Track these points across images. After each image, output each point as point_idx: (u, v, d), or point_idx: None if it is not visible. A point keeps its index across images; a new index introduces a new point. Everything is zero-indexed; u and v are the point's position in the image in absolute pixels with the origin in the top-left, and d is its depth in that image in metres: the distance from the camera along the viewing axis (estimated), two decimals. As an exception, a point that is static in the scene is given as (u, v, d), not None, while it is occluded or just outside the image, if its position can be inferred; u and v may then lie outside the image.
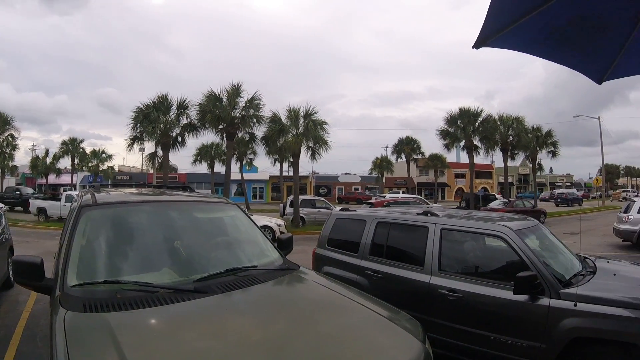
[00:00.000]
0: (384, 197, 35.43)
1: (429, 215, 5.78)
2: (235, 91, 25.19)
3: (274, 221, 18.99)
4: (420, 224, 5.67)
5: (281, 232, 18.41)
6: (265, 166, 59.04)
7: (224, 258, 3.77)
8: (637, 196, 18.42)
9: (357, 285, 5.51)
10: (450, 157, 55.51)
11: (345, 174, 73.18)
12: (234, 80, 31.32)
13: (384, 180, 59.91)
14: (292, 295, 3.45)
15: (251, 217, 14.97)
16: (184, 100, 26.11)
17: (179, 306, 2.70)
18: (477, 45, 2.66)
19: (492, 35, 2.67)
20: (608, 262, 5.75)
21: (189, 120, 26.56)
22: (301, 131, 24.67)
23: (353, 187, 68.51)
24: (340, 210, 7.33)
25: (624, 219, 16.25)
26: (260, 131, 27.47)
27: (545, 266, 4.62)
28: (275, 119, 25.22)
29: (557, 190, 66.36)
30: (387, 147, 61.07)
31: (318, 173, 67.78)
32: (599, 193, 56.88)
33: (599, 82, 3.59)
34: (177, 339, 2.36)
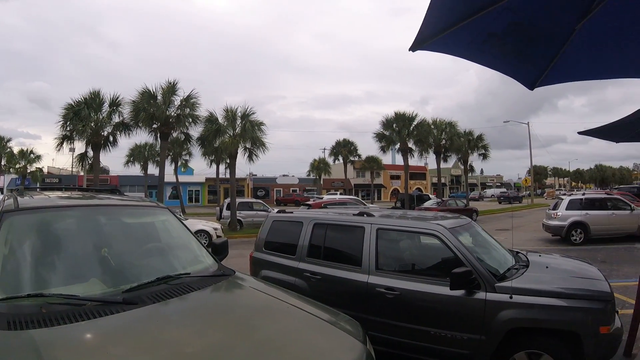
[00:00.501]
0: (322, 198, 35.54)
1: (364, 215, 5.83)
2: (171, 89, 24.05)
3: (210, 225, 18.47)
4: (357, 224, 5.71)
5: (218, 236, 18.03)
6: (201, 168, 57.91)
7: (155, 266, 3.55)
8: (565, 194, 19.69)
9: (296, 288, 5.54)
10: (386, 159, 56.89)
11: (284, 175, 72.94)
12: (171, 77, 30.16)
13: (321, 182, 60.17)
14: (227, 302, 3.32)
15: (185, 221, 14.51)
16: (117, 97, 24.61)
17: (107, 320, 2.52)
18: (414, 47, 2.68)
19: (428, 38, 2.69)
20: (540, 255, 6.07)
21: (121, 118, 25.05)
22: (238, 132, 24.16)
23: (291, 189, 68.35)
24: (277, 212, 7.27)
25: (553, 215, 17.58)
26: (196, 131, 26.55)
27: (480, 262, 4.82)
28: (211, 119, 24.55)
29: (500, 190, 75.90)
30: (325, 149, 61.74)
31: (256, 175, 67.38)
32: (528, 192, 59.89)
33: (531, 88, 3.75)
34: (106, 356, 2.22)
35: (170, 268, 3.55)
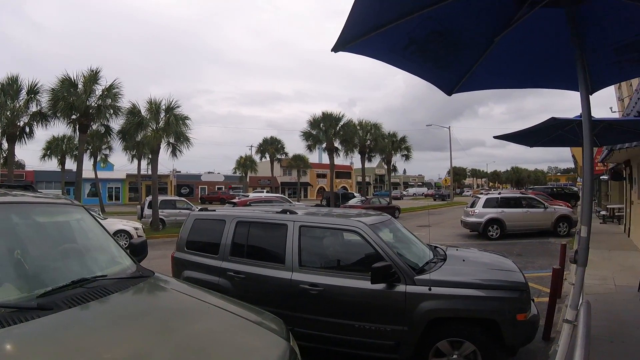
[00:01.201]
0: (248, 196, 35.26)
1: (287, 213, 5.87)
2: (93, 77, 22.27)
3: (130, 224, 17.60)
4: (280, 222, 5.74)
5: (139, 236, 17.34)
6: (122, 163, 55.27)
7: (71, 268, 3.31)
8: (488, 193, 20.97)
9: (220, 288, 5.49)
10: (313, 158, 57.23)
11: (209, 173, 71.48)
12: (97, 65, 27.88)
13: (247, 180, 59.61)
14: (146, 304, 3.17)
15: (104, 220, 13.88)
16: (36, 84, 22.26)
17: (22, 327, 2.31)
18: (336, 48, 2.71)
19: (351, 40, 2.74)
20: (457, 249, 6.44)
21: (39, 107, 22.70)
22: (162, 126, 23.00)
23: (216, 186, 67.28)
24: (199, 210, 7.13)
25: (470, 212, 18.89)
26: (117, 124, 24.80)
27: (399, 256, 5.04)
28: (134, 111, 23.13)
29: (421, 189, 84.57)
30: (252, 146, 60.63)
31: (180, 172, 65.57)
32: (448, 192, 62.45)
33: (449, 93, 3.97)
34: None
35: (86, 270, 3.31)
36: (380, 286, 4.78)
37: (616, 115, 15.00)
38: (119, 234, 16.23)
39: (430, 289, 4.68)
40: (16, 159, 25.60)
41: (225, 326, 2.84)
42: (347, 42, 2.73)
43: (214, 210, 6.86)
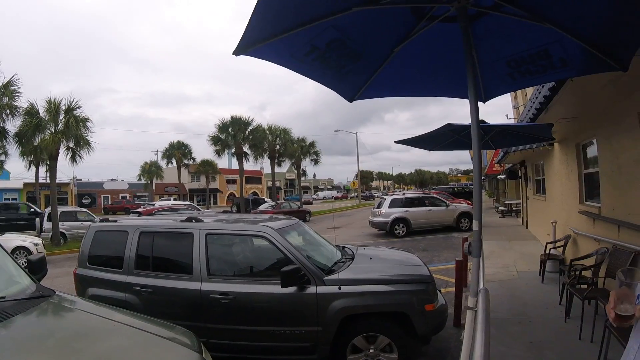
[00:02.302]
0: (154, 205, 34.14)
1: (193, 221, 5.78)
2: None
3: (30, 240, 16.06)
4: (185, 230, 5.58)
5: (39, 252, 16.26)
6: (19, 171, 50.63)
7: None
8: (401, 193, 22.04)
9: (127, 304, 5.28)
10: (222, 163, 56.34)
11: (112, 180, 67.72)
12: None
13: (154, 187, 57.42)
14: (50, 326, 2.99)
15: (1, 236, 12.86)
16: None
17: None
18: (237, 52, 2.70)
19: (252, 44, 2.75)
20: (365, 249, 6.65)
21: None
22: (61, 128, 21.04)
23: (120, 195, 64.01)
24: (99, 221, 6.79)
25: (377, 213, 19.88)
26: (13, 126, 22.10)
27: (308, 258, 5.14)
28: (32, 112, 20.96)
29: (331, 192, 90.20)
30: (158, 151, 57.82)
31: (80, 179, 61.98)
32: (356, 194, 64.27)
33: (350, 100, 4.10)
34: None
35: None
36: (291, 289, 4.85)
37: (512, 122, 16.43)
38: (17, 250, 14.87)
39: (340, 288, 4.83)
40: None
41: (134, 344, 2.78)
42: (249, 45, 2.72)
43: (116, 221, 6.55)
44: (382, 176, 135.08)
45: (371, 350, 4.84)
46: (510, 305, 7.13)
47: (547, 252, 9.02)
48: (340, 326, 4.80)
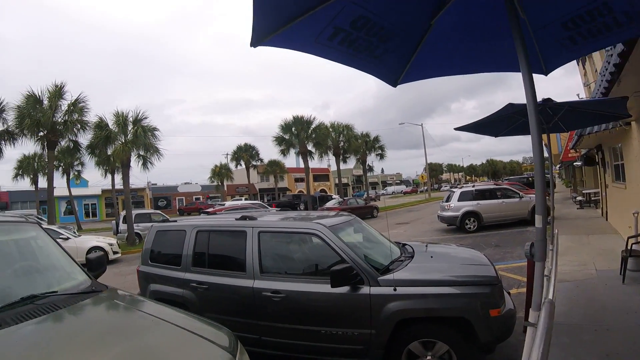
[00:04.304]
0: (224, 205, 34.98)
1: (247, 219, 5.72)
2: (58, 92, 22.30)
3: (105, 241, 17.50)
4: (238, 229, 5.60)
5: (114, 252, 17.30)
6: (96, 179, 53.97)
7: (22, 285, 3.34)
8: (474, 186, 20.97)
9: (184, 300, 5.51)
10: (290, 162, 57.00)
11: (186, 183, 70.78)
12: (65, 79, 27.55)
13: (225, 188, 59.09)
14: (90, 319, 3.12)
15: (78, 237, 13.77)
16: (1, 102, 22.26)
17: None
18: (254, 43, 2.53)
19: (268, 32, 2.56)
20: (426, 246, 6.20)
21: (5, 126, 22.73)
22: (130, 138, 22.51)
23: (194, 197, 66.54)
24: (161, 222, 6.97)
25: (446, 207, 18.74)
26: (85, 139, 24.72)
27: (362, 257, 4.87)
28: (101, 125, 22.72)
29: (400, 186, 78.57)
30: (227, 154, 59.86)
31: (156, 184, 64.92)
32: (426, 188, 62.86)
33: (394, 84, 3.77)
34: None
35: (37, 287, 3.32)
36: (343, 289, 4.61)
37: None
38: (93, 250, 15.85)
39: (395, 289, 4.50)
40: None
41: (167, 340, 2.85)
42: (264, 35, 2.54)
43: (175, 221, 6.72)
44: (452, 168, 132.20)
45: (428, 357, 4.43)
46: (585, 309, 6.35)
47: (629, 247, 7.80)
48: (395, 330, 4.47)
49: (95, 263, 4.13)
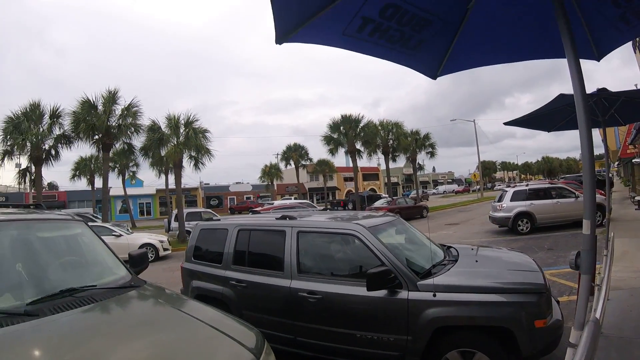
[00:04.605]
0: (272, 204, 35.33)
1: (287, 219, 5.65)
2: (112, 98, 23.43)
3: (156, 238, 18.10)
4: (278, 228, 5.56)
5: (165, 249, 17.73)
6: (151, 179, 56.03)
7: (64, 279, 3.53)
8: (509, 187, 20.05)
9: (224, 297, 5.59)
10: (340, 161, 56.89)
11: (237, 183, 72.01)
12: (120, 84, 29.14)
13: (275, 188, 59.69)
14: (121, 313, 3.26)
15: (130, 235, 14.38)
16: (57, 108, 23.52)
17: (6, 329, 2.59)
18: (279, 40, 2.44)
19: (293, 28, 2.44)
20: (473, 249, 5.91)
21: (62, 130, 23.98)
22: (182, 140, 23.50)
23: (245, 196, 67.61)
24: (205, 220, 7.05)
25: (498, 207, 17.89)
26: (139, 141, 25.81)
27: (402, 260, 4.68)
28: (154, 128, 23.97)
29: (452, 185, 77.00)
30: (277, 154, 60.44)
31: (208, 184, 66.43)
32: (478, 187, 61.39)
33: (434, 77, 3.57)
34: None
35: (77, 281, 3.49)
36: (380, 293, 4.43)
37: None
38: (144, 247, 16.52)
39: (434, 295, 4.26)
40: (49, 181, 26.80)
41: (191, 336, 2.88)
42: (288, 31, 2.43)
43: (219, 220, 6.77)
44: (506, 166, 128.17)
45: None
46: (639, 321, 5.75)
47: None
48: (433, 337, 4.24)
49: (137, 259, 4.27)
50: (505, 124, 6.76)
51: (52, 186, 61.49)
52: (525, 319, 4.05)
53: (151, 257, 16.35)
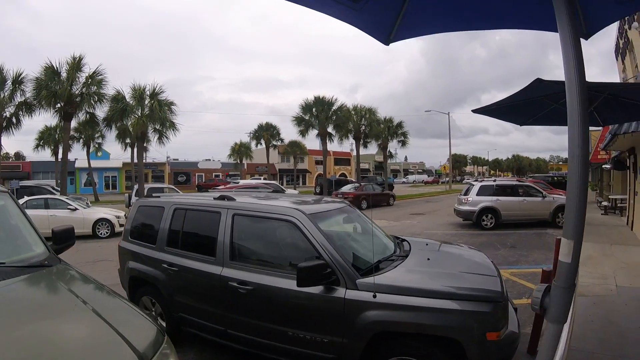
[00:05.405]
0: (238, 183, 34.72)
1: (225, 199, 5.14)
2: (76, 65, 22.60)
3: (113, 213, 17.54)
4: (213, 209, 5.06)
5: (121, 225, 17.06)
6: (118, 152, 54.48)
7: None
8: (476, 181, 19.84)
9: (155, 280, 5.21)
10: (313, 144, 56.28)
11: (206, 160, 70.96)
12: (97, 53, 28.35)
13: (245, 167, 58.91)
14: (11, 296, 2.90)
15: (87, 208, 14.10)
16: (20, 74, 22.72)
17: None
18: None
19: None
20: (427, 244, 5.45)
21: (24, 97, 23.29)
22: (146, 112, 22.90)
23: (214, 173, 66.61)
24: (145, 196, 6.48)
25: (463, 200, 17.74)
26: (103, 112, 24.97)
27: (342, 253, 4.16)
28: (118, 98, 23.26)
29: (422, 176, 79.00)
30: (250, 133, 59.70)
31: (177, 159, 65.23)
32: (448, 179, 61.95)
33: (386, 42, 3.02)
34: None
35: None
36: (315, 289, 3.95)
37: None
38: (100, 222, 16.47)
39: (375, 296, 3.74)
40: (15, 151, 25.98)
41: (73, 330, 2.55)
42: None
43: (158, 197, 6.21)
44: (476, 161, 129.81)
45: None
46: (602, 333, 5.46)
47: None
48: (372, 342, 3.78)
49: (61, 236, 3.98)
50: (474, 111, 6.29)
51: (19, 156, 61.89)
52: (477, 329, 3.58)
53: (107, 232, 16.20)
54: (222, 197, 5.23)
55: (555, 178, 40.19)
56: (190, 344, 5.30)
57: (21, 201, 16.10)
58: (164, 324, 5.28)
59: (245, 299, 4.37)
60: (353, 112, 38.25)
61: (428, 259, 4.67)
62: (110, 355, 2.35)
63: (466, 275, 4.23)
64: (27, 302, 2.83)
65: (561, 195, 18.53)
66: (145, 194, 22.20)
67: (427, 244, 5.46)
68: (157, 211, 5.67)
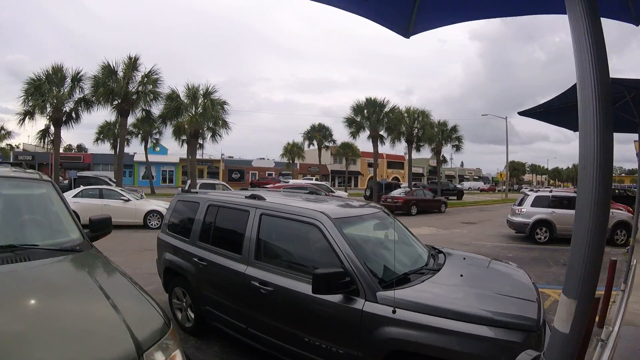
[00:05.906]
0: (288, 182, 34.87)
1: (256, 199, 5.12)
2: (132, 64, 23.89)
3: (164, 205, 17.76)
4: (243, 207, 5.10)
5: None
6: (176, 148, 56.50)
7: (13, 236, 3.51)
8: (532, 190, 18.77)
9: (185, 273, 5.42)
10: (367, 147, 56.11)
11: (260, 159, 71.94)
12: (154, 55, 29.88)
13: (297, 167, 59.35)
14: (33, 275, 3.06)
15: (140, 200, 14.71)
16: (79, 72, 24.31)
17: None
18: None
19: None
20: (464, 258, 5.09)
21: (82, 94, 24.80)
22: (199, 111, 23.76)
23: (267, 172, 67.38)
24: (184, 192, 6.62)
25: (517, 211, 16.64)
26: (158, 109, 26.17)
27: (364, 262, 3.95)
28: (172, 96, 24.26)
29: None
30: (303, 133, 60.26)
31: (232, 157, 66.59)
32: (504, 187, 60.37)
33: (407, 35, 2.89)
34: None
35: (23, 239, 3.50)
36: (334, 297, 3.79)
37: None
38: (151, 213, 17.18)
39: (394, 312, 3.48)
40: (78, 144, 27.72)
41: (78, 313, 2.62)
42: None
43: (196, 193, 6.37)
44: (535, 169, 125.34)
45: None
46: None
47: None
48: (389, 358, 3.51)
49: (97, 224, 4.21)
50: (520, 113, 6.06)
51: (81, 148, 66.13)
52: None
53: (157, 223, 16.66)
54: (252, 196, 5.23)
55: (617, 191, 36.75)
56: (216, 337, 5.43)
57: (77, 190, 17.08)
58: (192, 315, 5.53)
59: (266, 299, 4.35)
60: (405, 114, 37.48)
61: (461, 275, 4.31)
62: (106, 337, 2.38)
63: (500, 298, 3.82)
64: (42, 282, 2.96)
65: (621, 210, 17.52)
66: (197, 189, 22.84)
67: (464, 258, 5.10)
68: (193, 206, 5.86)
